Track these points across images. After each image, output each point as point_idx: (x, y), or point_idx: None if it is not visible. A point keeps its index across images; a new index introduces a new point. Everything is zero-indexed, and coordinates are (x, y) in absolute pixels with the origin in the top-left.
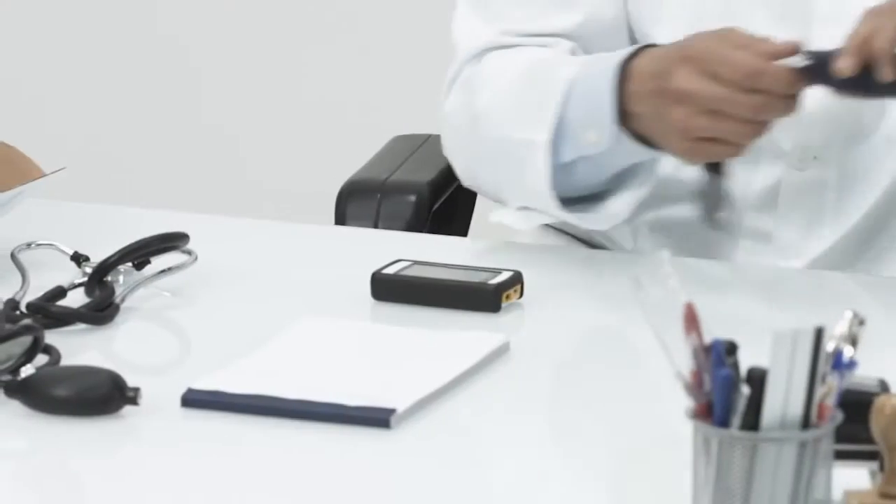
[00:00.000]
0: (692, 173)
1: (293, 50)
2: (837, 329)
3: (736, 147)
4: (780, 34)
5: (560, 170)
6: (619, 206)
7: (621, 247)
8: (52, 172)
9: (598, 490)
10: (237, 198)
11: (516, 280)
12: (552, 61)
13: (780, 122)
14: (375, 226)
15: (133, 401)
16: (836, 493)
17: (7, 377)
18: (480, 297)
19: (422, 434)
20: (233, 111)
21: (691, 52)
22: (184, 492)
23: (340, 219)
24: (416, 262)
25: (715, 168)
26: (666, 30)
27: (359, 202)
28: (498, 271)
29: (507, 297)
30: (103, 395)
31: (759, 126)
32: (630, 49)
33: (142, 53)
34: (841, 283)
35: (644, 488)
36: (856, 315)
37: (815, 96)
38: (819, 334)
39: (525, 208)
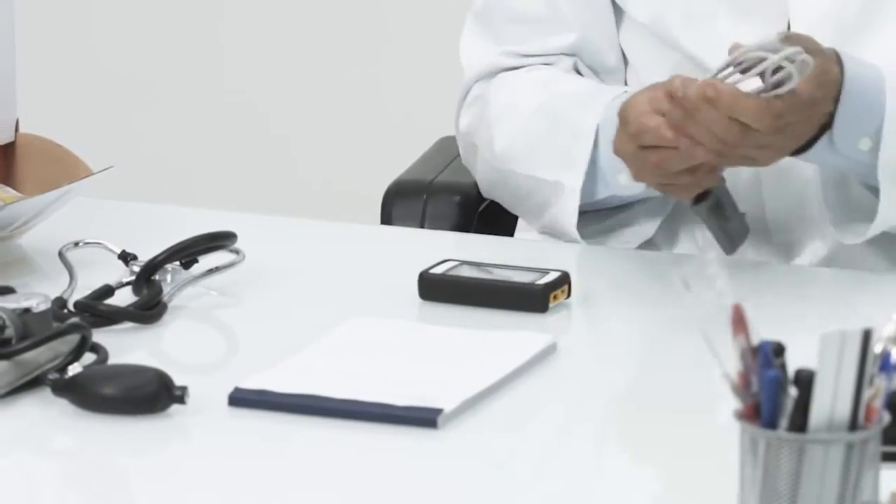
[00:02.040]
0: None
1: (339, 51)
2: (885, 331)
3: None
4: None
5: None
6: (646, 228)
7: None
8: (100, 171)
9: (645, 490)
10: (285, 198)
11: (564, 280)
12: (568, 99)
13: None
14: (421, 226)
15: (180, 400)
16: (884, 495)
17: (55, 375)
18: (528, 297)
19: (469, 434)
20: (281, 112)
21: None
22: (230, 491)
23: (387, 219)
24: (463, 262)
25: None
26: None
27: (405, 203)
28: (545, 271)
29: (555, 297)
30: (150, 393)
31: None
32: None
33: (193, 54)
34: (887, 284)
35: (691, 489)
36: None
37: None
38: (867, 336)
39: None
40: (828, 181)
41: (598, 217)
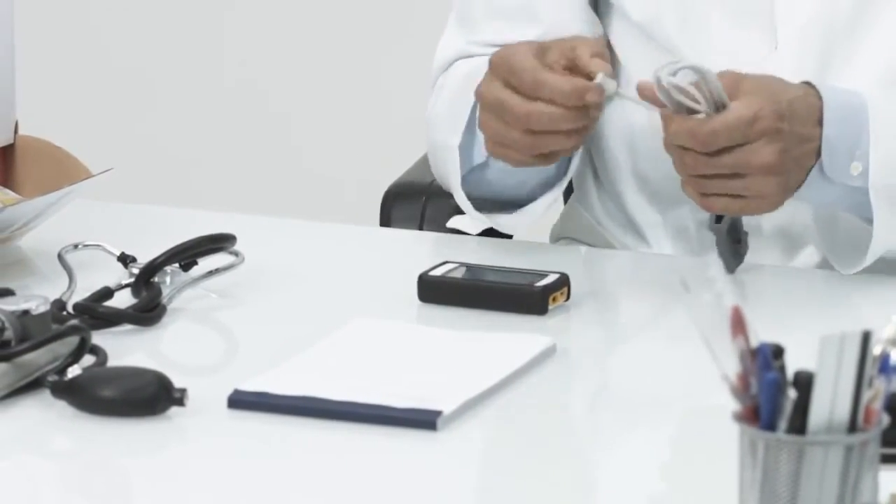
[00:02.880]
0: None
1: (339, 53)
2: (884, 332)
3: (519, 157)
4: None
5: (476, 170)
6: (536, 208)
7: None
8: (100, 173)
9: (644, 492)
10: (284, 199)
11: (563, 282)
12: (479, 71)
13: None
14: (420, 228)
15: (180, 402)
16: (883, 497)
17: (54, 377)
18: (527, 299)
19: (468, 436)
20: (280, 113)
21: (494, 60)
22: (230, 493)
23: (385, 221)
24: (462, 265)
25: (730, 230)
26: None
27: (404, 204)
28: (545, 274)
29: (554, 299)
30: (150, 395)
31: (538, 138)
32: None
33: (192, 56)
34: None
35: (690, 491)
36: None
37: None
38: (866, 338)
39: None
40: (818, 217)
41: (497, 204)
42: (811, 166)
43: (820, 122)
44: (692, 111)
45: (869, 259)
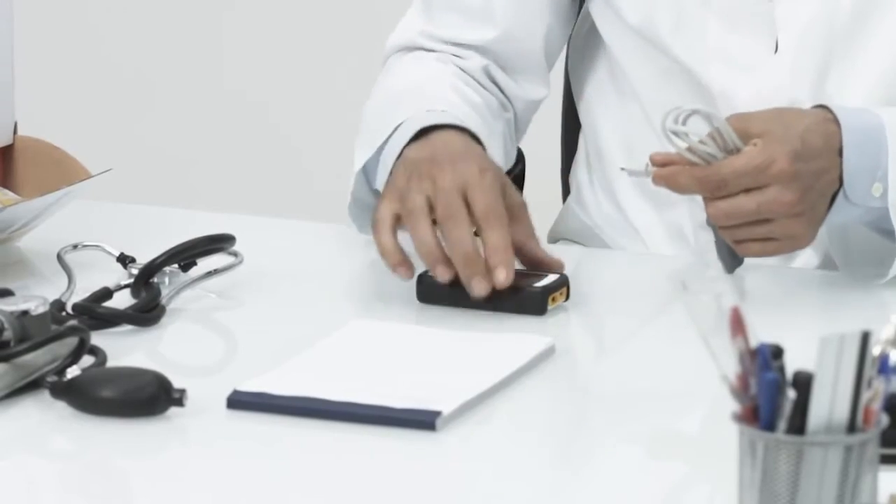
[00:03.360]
0: None
1: (339, 53)
2: (884, 333)
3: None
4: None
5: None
6: None
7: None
8: (99, 174)
9: (644, 493)
10: (283, 200)
11: (562, 283)
12: (420, 92)
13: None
14: None
15: (179, 402)
16: (882, 498)
17: (53, 378)
18: (527, 300)
19: (467, 437)
20: (279, 114)
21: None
22: (229, 493)
23: None
24: None
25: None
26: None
27: None
28: (544, 274)
29: (553, 299)
30: (149, 396)
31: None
32: (435, 121)
33: (191, 56)
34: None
35: (690, 491)
36: None
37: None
38: (865, 338)
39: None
40: (831, 230)
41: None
42: (834, 194)
43: (839, 150)
44: (705, 160)
45: (892, 274)
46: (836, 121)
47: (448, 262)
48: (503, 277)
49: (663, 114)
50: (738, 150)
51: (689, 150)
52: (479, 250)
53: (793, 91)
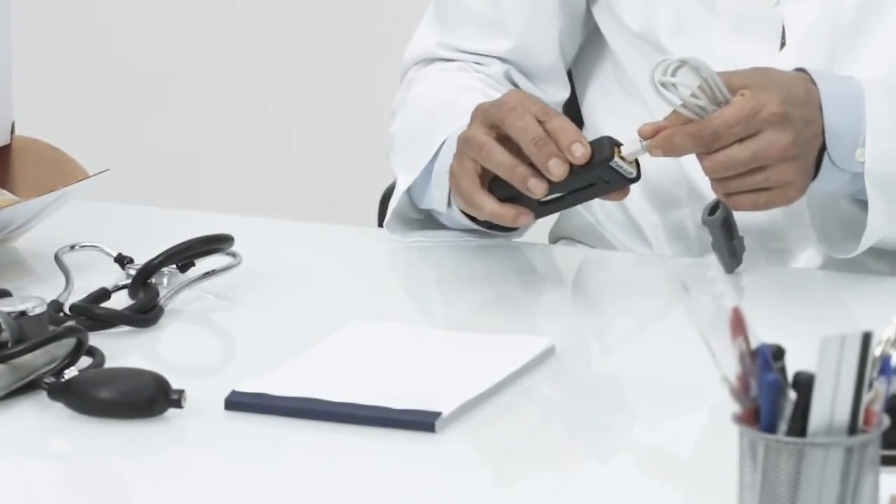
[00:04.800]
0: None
1: (337, 53)
2: (885, 334)
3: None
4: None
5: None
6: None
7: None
8: (97, 174)
9: (644, 494)
10: (281, 200)
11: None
12: (448, 107)
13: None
14: None
15: (177, 403)
16: (883, 499)
17: (51, 379)
18: (595, 151)
19: (467, 438)
20: (278, 114)
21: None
22: (227, 495)
23: (383, 222)
24: None
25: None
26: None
27: None
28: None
29: (621, 155)
30: (147, 397)
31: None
32: None
33: (189, 56)
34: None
35: (690, 493)
36: None
37: None
38: (866, 339)
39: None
40: (812, 201)
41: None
42: (819, 149)
43: (819, 108)
44: (697, 114)
45: (862, 246)
46: (813, 82)
47: (538, 173)
48: (580, 152)
49: (652, 66)
50: (727, 102)
51: (682, 105)
52: (546, 134)
53: None
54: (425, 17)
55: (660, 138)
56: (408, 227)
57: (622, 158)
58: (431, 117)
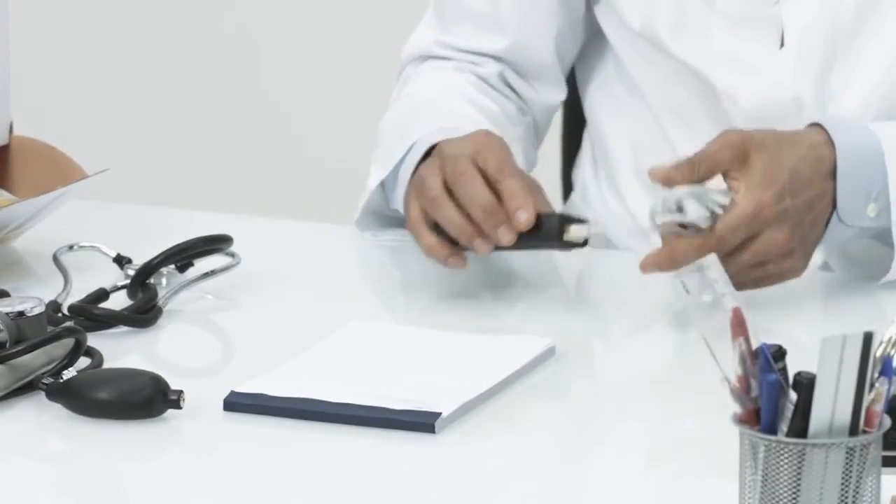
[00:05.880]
0: None
1: (339, 52)
2: (886, 334)
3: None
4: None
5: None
6: None
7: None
8: (95, 174)
9: (645, 494)
10: (281, 200)
11: (581, 221)
12: (434, 107)
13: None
14: None
15: (176, 404)
16: (885, 500)
17: (49, 380)
18: (543, 228)
19: (467, 438)
20: (279, 114)
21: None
22: (226, 495)
23: None
24: None
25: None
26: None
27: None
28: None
29: (569, 231)
30: (146, 398)
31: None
32: (445, 137)
33: (188, 55)
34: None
35: (691, 493)
36: None
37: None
38: (868, 340)
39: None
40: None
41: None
42: (828, 218)
43: (832, 174)
44: (697, 227)
45: (889, 278)
46: (830, 142)
47: (483, 234)
48: (524, 218)
49: (648, 212)
50: (722, 205)
51: (681, 226)
52: (495, 201)
53: (796, 90)
54: (426, 15)
55: (660, 258)
56: (382, 224)
57: (568, 240)
58: (412, 117)
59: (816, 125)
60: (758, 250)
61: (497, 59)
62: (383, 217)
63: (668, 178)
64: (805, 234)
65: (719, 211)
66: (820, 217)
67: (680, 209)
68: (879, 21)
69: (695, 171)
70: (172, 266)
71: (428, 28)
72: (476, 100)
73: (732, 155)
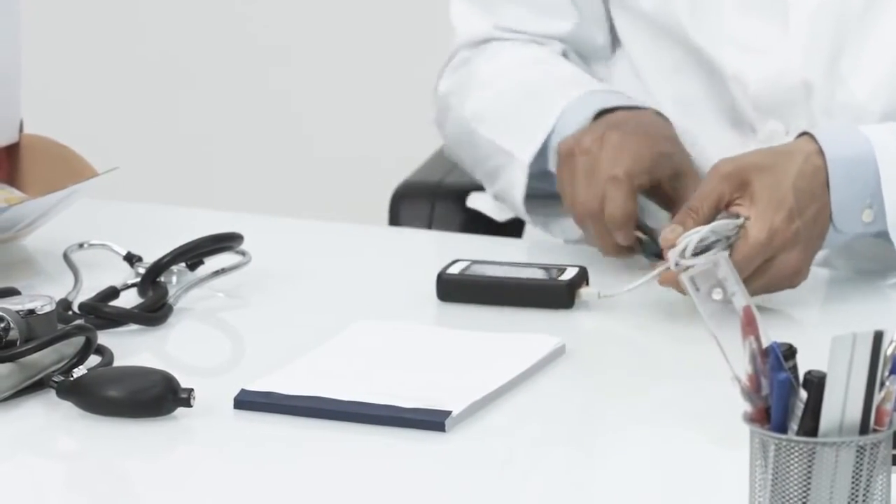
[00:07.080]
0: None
1: (347, 51)
2: None
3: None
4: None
5: (540, 176)
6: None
7: None
8: (106, 172)
9: (655, 493)
10: (291, 199)
11: (583, 276)
12: (550, 80)
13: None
14: (429, 228)
15: (186, 402)
16: (895, 499)
17: (59, 378)
18: (554, 293)
19: (477, 437)
20: (288, 113)
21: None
22: (236, 494)
23: (394, 221)
24: (474, 262)
25: None
26: None
27: (413, 205)
28: (563, 268)
29: (578, 294)
30: (156, 396)
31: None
32: (611, 103)
33: (197, 55)
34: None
35: (701, 492)
36: None
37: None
38: (878, 338)
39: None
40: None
41: (546, 202)
42: (828, 227)
43: (827, 184)
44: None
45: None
46: (821, 151)
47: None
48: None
49: (672, 259)
50: (737, 228)
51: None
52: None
53: (805, 72)
54: (456, 4)
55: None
56: (544, 203)
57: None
58: (536, 88)
59: (806, 134)
60: (773, 274)
61: (561, 40)
62: (546, 196)
63: (679, 234)
64: (814, 249)
65: (732, 234)
66: (823, 229)
67: (707, 249)
68: (890, 7)
69: (700, 214)
70: (183, 264)
71: (472, 16)
72: (581, 66)
73: (731, 185)
